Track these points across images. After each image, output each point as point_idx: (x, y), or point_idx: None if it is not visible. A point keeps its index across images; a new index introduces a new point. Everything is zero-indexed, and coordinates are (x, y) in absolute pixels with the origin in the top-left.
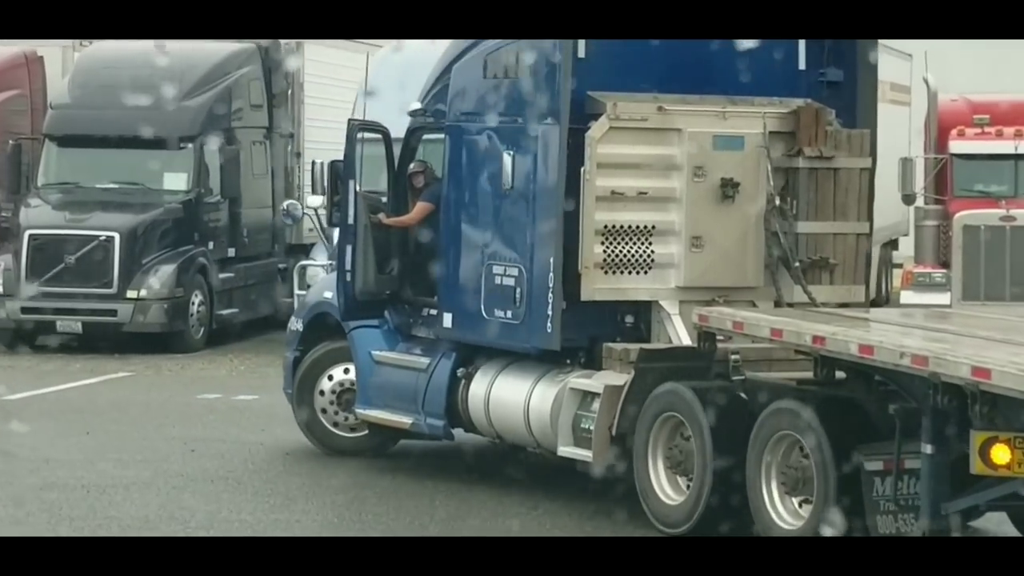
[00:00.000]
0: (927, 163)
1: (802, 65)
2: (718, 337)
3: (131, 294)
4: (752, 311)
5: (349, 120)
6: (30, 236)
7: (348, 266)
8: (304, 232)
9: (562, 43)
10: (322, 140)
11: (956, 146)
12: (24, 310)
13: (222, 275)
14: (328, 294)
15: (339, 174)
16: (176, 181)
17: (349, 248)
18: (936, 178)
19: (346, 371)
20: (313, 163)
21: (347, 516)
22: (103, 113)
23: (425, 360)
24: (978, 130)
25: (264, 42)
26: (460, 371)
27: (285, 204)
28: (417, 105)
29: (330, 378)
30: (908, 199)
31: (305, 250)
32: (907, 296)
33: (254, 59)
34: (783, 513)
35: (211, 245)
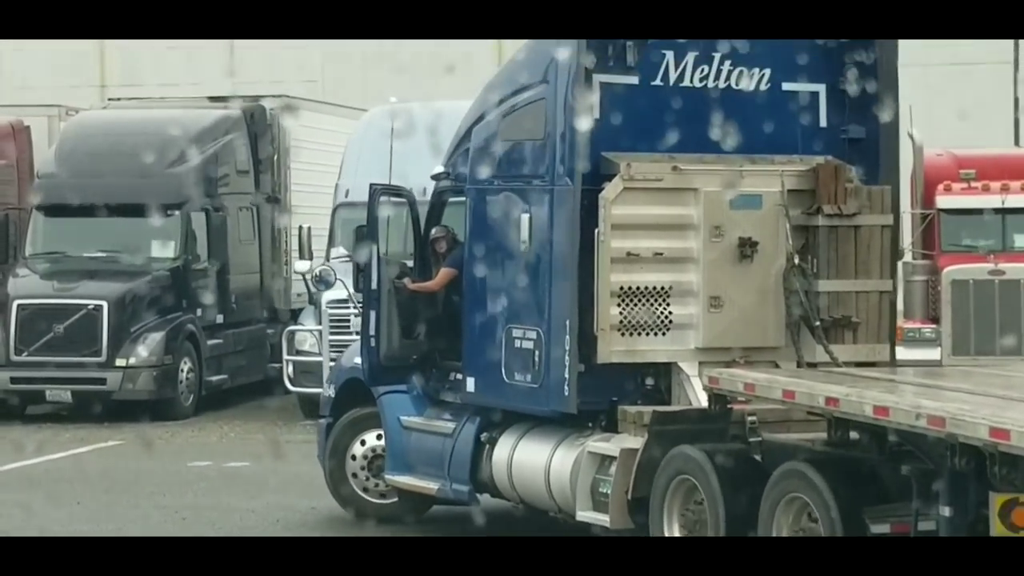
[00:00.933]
0: (914, 218)
1: (823, 122)
2: (738, 398)
3: (120, 362)
4: (763, 372)
5: (371, 184)
6: (18, 306)
7: (372, 331)
8: (292, 297)
9: (575, 103)
10: (309, 205)
11: (943, 201)
12: (13, 380)
13: (211, 341)
14: (359, 359)
15: (362, 239)
16: (163, 248)
17: (373, 313)
18: (923, 233)
19: (378, 437)
20: (300, 228)
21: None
22: (89, 182)
23: (451, 425)
24: (964, 185)
25: (250, 107)
26: (484, 435)
27: (318, 270)
28: (440, 169)
29: (362, 443)
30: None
31: (294, 315)
32: (897, 352)
33: (240, 125)
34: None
35: (199, 312)
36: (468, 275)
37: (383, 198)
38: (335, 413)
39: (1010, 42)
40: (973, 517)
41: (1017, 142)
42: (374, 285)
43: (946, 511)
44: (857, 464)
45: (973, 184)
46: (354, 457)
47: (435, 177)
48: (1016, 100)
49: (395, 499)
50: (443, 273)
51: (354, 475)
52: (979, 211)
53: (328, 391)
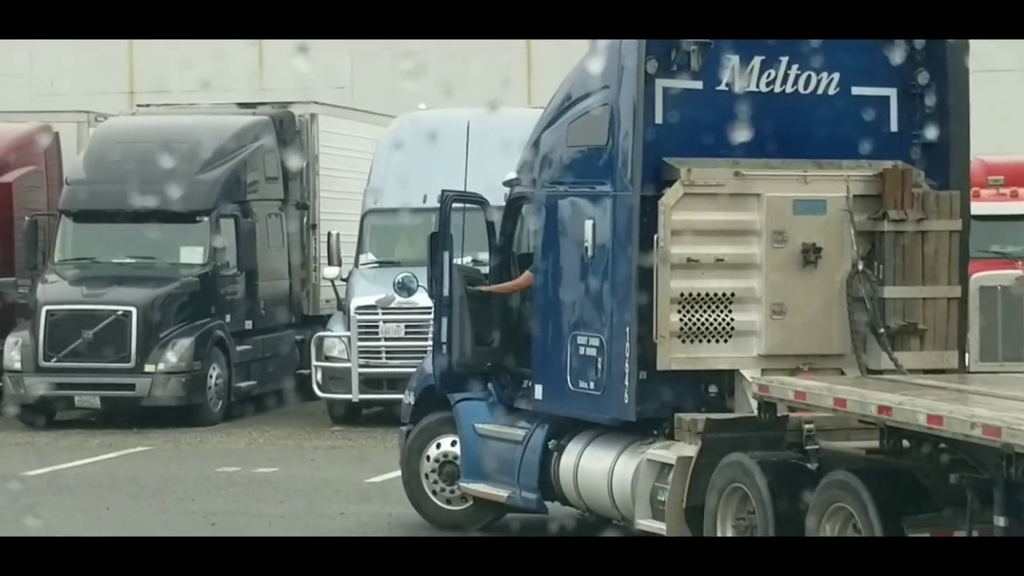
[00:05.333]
0: None
1: (894, 127)
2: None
3: (149, 368)
4: (815, 380)
5: (443, 191)
6: (47, 312)
7: (444, 338)
8: (321, 303)
9: (635, 108)
10: (337, 211)
11: (972, 207)
12: (42, 385)
13: (240, 347)
14: None
15: (435, 246)
16: (192, 255)
17: (445, 320)
18: None
19: (452, 443)
20: (329, 234)
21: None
22: (118, 188)
23: (522, 432)
24: (993, 191)
25: (278, 113)
26: (552, 443)
27: (400, 277)
28: (513, 175)
29: (437, 446)
30: None
31: (322, 321)
32: None
33: (269, 131)
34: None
35: (228, 318)
36: (537, 282)
37: (455, 204)
38: (415, 419)
39: None
40: None
41: None
42: (446, 292)
43: (1001, 521)
44: (903, 473)
45: (1002, 191)
46: (428, 458)
47: (507, 183)
48: None
49: (463, 506)
50: (525, 275)
51: (427, 476)
52: (1008, 217)
53: (408, 398)
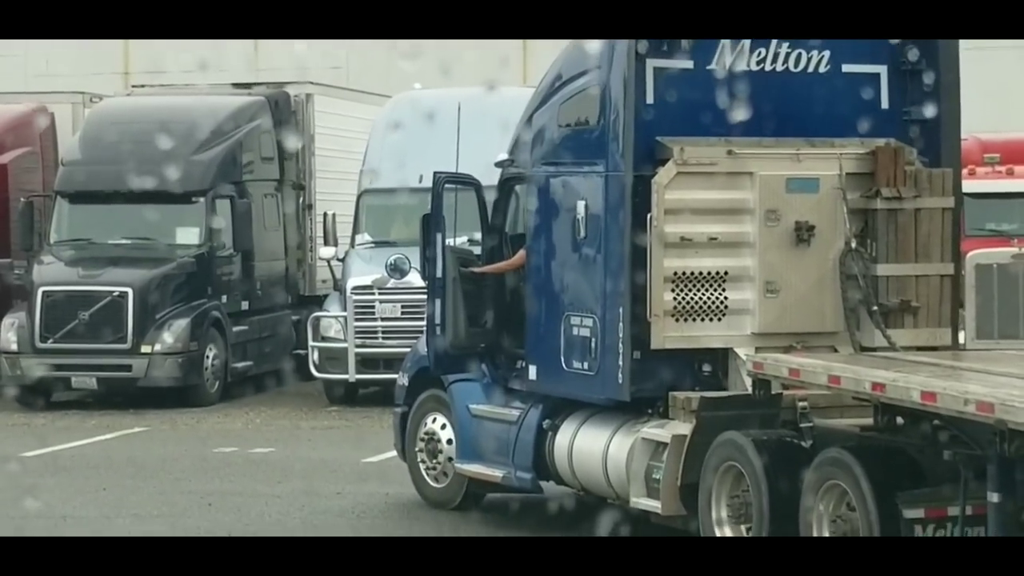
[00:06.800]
0: None
1: (885, 104)
2: (791, 384)
3: (145, 349)
4: (809, 357)
5: (436, 173)
6: (43, 293)
7: (438, 319)
8: (317, 283)
9: (626, 88)
10: (333, 191)
11: (967, 185)
12: (39, 367)
13: (236, 328)
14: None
15: (427, 227)
16: (188, 235)
17: (438, 301)
18: None
19: (434, 420)
20: (325, 214)
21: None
22: (114, 169)
23: (516, 413)
24: (989, 169)
25: (274, 94)
26: (546, 423)
27: (392, 259)
28: (504, 156)
29: (424, 425)
30: None
31: (319, 302)
32: None
33: (264, 112)
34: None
35: (224, 298)
36: (530, 262)
37: (448, 186)
38: (409, 401)
39: None
40: (1022, 502)
41: None
42: (439, 273)
43: (994, 497)
44: (897, 450)
45: (997, 168)
46: (422, 439)
47: (499, 164)
48: None
49: (446, 483)
50: (518, 255)
51: (416, 455)
52: (1004, 195)
53: (402, 379)
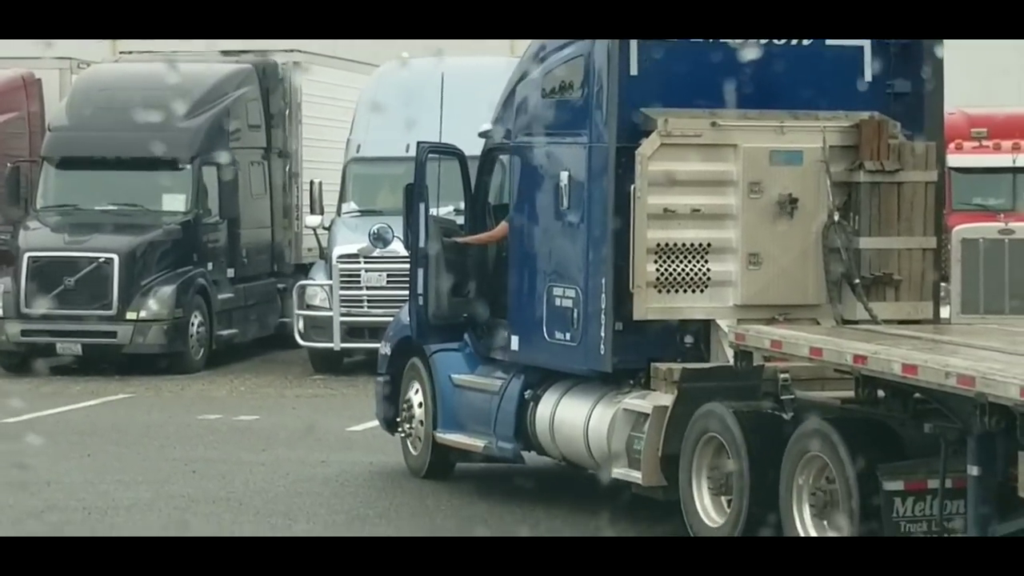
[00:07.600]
0: None
1: (868, 77)
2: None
3: (131, 315)
4: (791, 329)
5: (419, 143)
6: (29, 259)
7: (420, 289)
8: (303, 252)
9: (610, 59)
10: (320, 160)
11: (954, 160)
12: (24, 332)
13: (221, 296)
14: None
15: (410, 197)
16: (175, 202)
17: (421, 271)
18: None
19: (416, 391)
20: (311, 183)
21: (348, 536)
22: (101, 135)
23: (498, 383)
24: (976, 143)
25: (261, 62)
26: (528, 393)
27: (375, 228)
28: (488, 126)
29: (403, 394)
30: None
31: (304, 270)
32: None
33: (252, 80)
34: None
35: (210, 266)
36: (513, 233)
37: (431, 155)
38: (391, 370)
39: None
40: (1002, 476)
41: None
42: (422, 243)
43: (974, 470)
44: (877, 423)
45: (984, 143)
46: (403, 407)
47: (482, 134)
48: None
49: (419, 450)
50: (501, 227)
51: (397, 424)
52: (990, 170)
53: (384, 349)
